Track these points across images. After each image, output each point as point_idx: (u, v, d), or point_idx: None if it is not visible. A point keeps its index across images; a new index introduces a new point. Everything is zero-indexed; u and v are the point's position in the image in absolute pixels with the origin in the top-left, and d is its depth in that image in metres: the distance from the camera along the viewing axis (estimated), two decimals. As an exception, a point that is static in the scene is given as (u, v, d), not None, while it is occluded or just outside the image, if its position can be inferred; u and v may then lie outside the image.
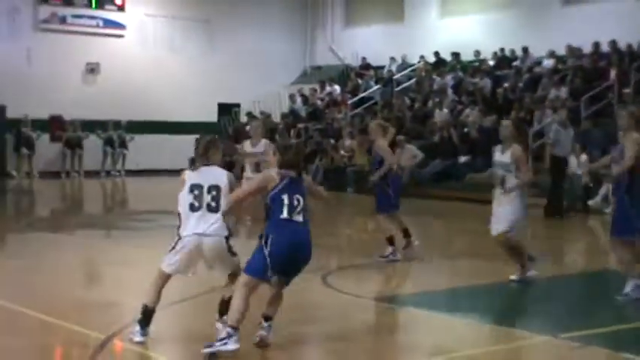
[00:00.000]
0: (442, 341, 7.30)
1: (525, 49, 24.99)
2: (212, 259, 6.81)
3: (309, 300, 8.57)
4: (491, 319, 8.15)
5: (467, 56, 26.64)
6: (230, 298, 6.68)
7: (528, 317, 8.41)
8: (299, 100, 29.13)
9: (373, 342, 7.35)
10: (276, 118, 28.71)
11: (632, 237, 8.40)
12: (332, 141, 24.81)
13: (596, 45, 23.38)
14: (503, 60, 25.66)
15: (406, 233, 11.21)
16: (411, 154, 21.74)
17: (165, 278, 6.87)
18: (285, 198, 6.60)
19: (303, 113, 28.36)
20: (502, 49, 25.78)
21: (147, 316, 6.77)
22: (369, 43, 29.66)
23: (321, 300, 8.79)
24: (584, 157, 17.84)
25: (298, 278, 6.69)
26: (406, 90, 27.01)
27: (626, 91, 21.08)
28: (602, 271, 10.70)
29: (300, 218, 6.63)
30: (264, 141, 13.17)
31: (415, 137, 23.25)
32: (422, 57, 27.65)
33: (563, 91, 22.26)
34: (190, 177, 6.83)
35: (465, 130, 22.50)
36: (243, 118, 28.69)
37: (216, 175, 6.84)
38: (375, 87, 27.85)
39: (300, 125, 27.09)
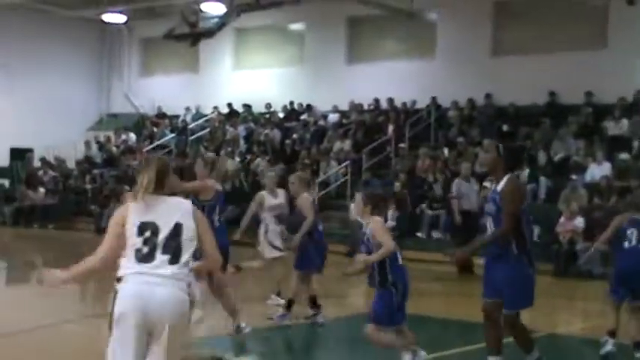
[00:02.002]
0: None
1: (309, 106, 26.64)
2: None
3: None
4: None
5: (258, 108, 27.81)
6: None
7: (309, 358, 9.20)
8: (94, 146, 29.40)
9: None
10: (71, 164, 28.80)
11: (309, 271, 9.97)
12: (127, 187, 25.24)
13: (377, 101, 25.43)
14: (292, 113, 27.17)
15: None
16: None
17: None
18: None
19: (98, 160, 28.65)
20: (291, 103, 27.25)
21: None
22: (165, 92, 30.27)
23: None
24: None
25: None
26: (200, 139, 27.90)
27: (402, 145, 23.13)
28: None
29: None
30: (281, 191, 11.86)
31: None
32: (215, 107, 28.67)
33: (347, 144, 24.03)
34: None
35: (256, 178, 23.73)
36: (37, 163, 28.59)
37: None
38: (170, 135, 28.65)
39: (96, 171, 27.41)
